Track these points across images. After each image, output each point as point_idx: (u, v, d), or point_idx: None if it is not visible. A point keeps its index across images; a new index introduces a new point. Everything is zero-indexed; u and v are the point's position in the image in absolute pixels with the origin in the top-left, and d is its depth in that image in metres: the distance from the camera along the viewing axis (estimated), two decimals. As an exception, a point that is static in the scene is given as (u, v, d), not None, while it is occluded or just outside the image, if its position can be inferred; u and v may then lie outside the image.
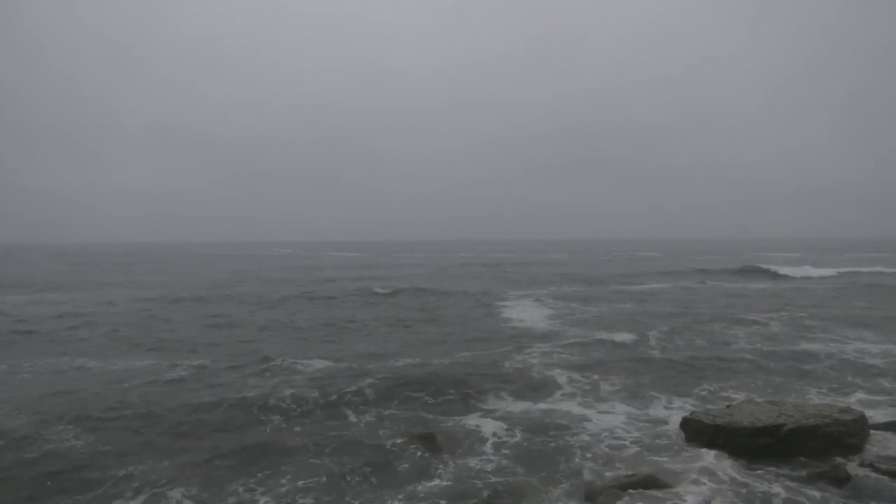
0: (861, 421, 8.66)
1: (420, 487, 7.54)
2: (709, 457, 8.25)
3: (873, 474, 7.64)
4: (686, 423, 8.89)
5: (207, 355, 14.99)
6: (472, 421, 10.07)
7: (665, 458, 8.38)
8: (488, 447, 8.93)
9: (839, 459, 8.03)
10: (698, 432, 8.61)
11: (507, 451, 8.75)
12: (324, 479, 7.82)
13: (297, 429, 9.71)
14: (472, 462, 8.37)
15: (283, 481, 7.75)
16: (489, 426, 9.75)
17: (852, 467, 7.83)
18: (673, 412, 10.39)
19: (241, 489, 7.53)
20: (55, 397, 11.14)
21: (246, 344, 16.78)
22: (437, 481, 7.72)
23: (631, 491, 7.15)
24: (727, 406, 9.32)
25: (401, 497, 7.30)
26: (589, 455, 8.56)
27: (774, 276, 41.65)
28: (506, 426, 9.72)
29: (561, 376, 12.95)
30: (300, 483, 7.71)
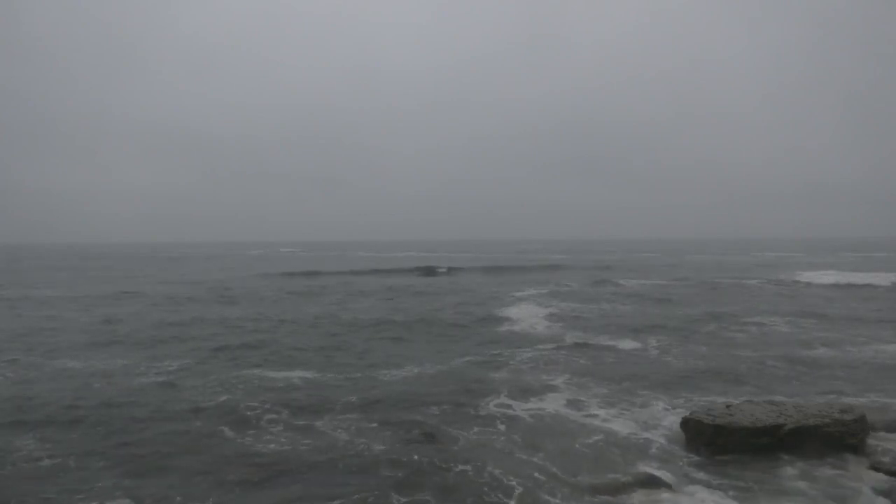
0: (861, 421, 8.63)
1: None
2: (709, 457, 8.25)
3: (873, 474, 7.63)
4: (686, 423, 8.87)
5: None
6: (469, 424, 10.04)
7: (665, 458, 8.36)
8: (487, 447, 8.91)
9: (839, 460, 8.01)
10: (698, 432, 8.58)
11: (504, 452, 8.73)
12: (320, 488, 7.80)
13: (281, 437, 9.50)
14: (472, 464, 8.34)
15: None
16: (486, 429, 9.75)
17: (852, 467, 7.81)
18: (673, 412, 10.36)
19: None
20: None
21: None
22: (432, 484, 7.70)
23: (632, 491, 7.14)
24: (727, 406, 9.29)
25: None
26: (589, 455, 8.54)
27: (779, 279, 41.31)
28: (504, 429, 9.71)
29: (561, 377, 12.94)
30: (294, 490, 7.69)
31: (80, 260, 77.69)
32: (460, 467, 8.12)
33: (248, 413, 10.38)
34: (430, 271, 47.67)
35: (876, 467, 7.80)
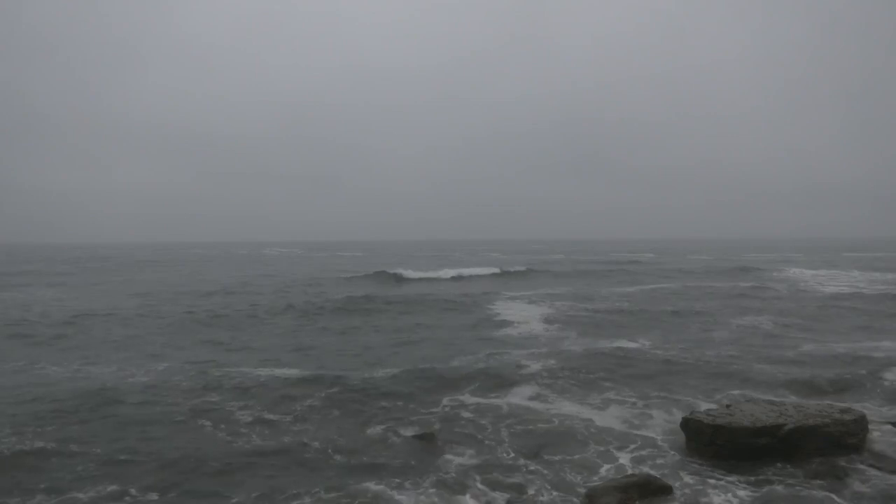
0: (861, 421, 8.63)
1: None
2: (709, 457, 8.23)
3: (874, 474, 7.62)
4: (686, 423, 8.84)
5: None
6: (465, 421, 10.01)
7: (665, 458, 8.34)
8: (482, 448, 8.88)
9: (839, 460, 8.00)
10: (698, 432, 8.55)
11: (500, 453, 8.69)
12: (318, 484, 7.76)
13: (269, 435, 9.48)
14: (467, 462, 8.31)
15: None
16: (470, 425, 9.74)
17: (852, 467, 7.80)
18: (671, 412, 10.35)
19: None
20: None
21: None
22: (433, 477, 7.67)
23: (631, 491, 7.11)
24: (727, 406, 9.28)
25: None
26: (587, 455, 8.52)
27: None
28: (489, 425, 9.68)
29: (556, 376, 12.90)
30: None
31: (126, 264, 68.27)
32: (461, 461, 8.09)
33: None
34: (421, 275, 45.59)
35: (876, 467, 7.79)
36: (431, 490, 7.39)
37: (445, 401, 11.10)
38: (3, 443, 8.76)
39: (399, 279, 41.66)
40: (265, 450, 8.66)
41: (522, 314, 22.92)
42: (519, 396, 11.42)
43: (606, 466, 8.15)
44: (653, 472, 7.73)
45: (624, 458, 8.40)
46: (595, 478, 7.79)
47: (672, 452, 8.56)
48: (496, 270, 47.73)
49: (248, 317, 22.00)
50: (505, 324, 20.78)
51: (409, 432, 9.38)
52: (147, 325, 19.88)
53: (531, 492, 7.37)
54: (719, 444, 8.28)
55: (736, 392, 11.64)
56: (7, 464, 8.12)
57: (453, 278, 42.59)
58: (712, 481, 7.58)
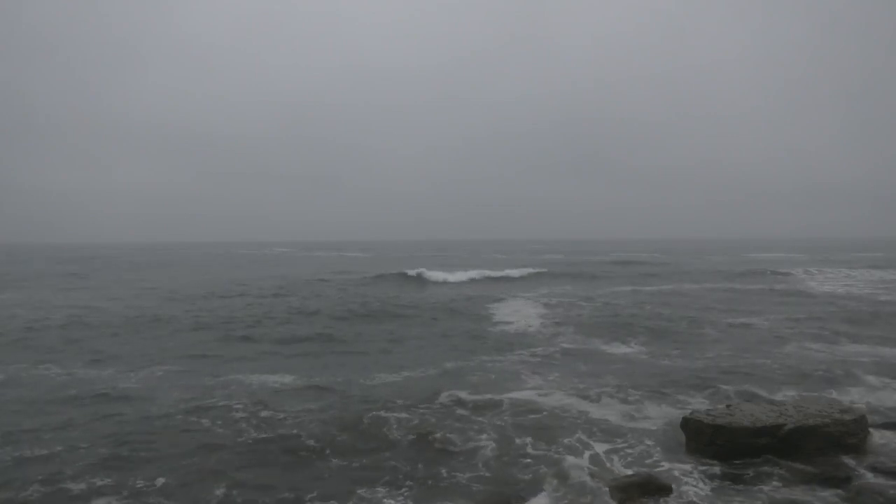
0: (861, 421, 8.63)
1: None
2: (709, 457, 8.22)
3: (874, 474, 7.61)
4: (686, 423, 8.84)
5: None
6: (464, 420, 10.00)
7: (664, 459, 8.33)
8: (482, 447, 8.87)
9: (839, 460, 7.99)
10: (698, 432, 8.55)
11: (500, 452, 8.69)
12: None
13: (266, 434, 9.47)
14: (466, 461, 8.30)
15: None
16: (479, 426, 9.70)
17: (852, 467, 7.79)
18: (671, 412, 10.33)
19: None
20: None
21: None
22: (432, 476, 7.66)
23: (630, 491, 7.10)
24: (727, 406, 9.27)
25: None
26: (587, 456, 8.50)
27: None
28: (490, 427, 9.66)
29: (552, 375, 12.90)
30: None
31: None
32: (450, 464, 8.08)
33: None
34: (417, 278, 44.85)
35: (876, 467, 7.78)
36: (431, 489, 7.40)
37: (444, 400, 11.08)
38: (2, 442, 8.76)
39: (399, 280, 41.62)
40: (262, 450, 8.67)
41: (521, 314, 22.89)
42: (518, 395, 11.40)
43: (607, 465, 8.14)
44: (652, 472, 7.72)
45: (624, 458, 8.40)
46: (594, 477, 7.76)
47: (672, 452, 8.55)
48: (495, 272, 47.64)
49: (247, 318, 21.94)
50: (503, 324, 20.76)
51: (408, 432, 9.37)
52: (145, 327, 19.84)
53: (531, 487, 7.37)
54: (719, 444, 8.27)
55: (736, 392, 11.63)
56: (6, 463, 8.13)
57: (453, 279, 42.59)
58: (712, 481, 7.57)
